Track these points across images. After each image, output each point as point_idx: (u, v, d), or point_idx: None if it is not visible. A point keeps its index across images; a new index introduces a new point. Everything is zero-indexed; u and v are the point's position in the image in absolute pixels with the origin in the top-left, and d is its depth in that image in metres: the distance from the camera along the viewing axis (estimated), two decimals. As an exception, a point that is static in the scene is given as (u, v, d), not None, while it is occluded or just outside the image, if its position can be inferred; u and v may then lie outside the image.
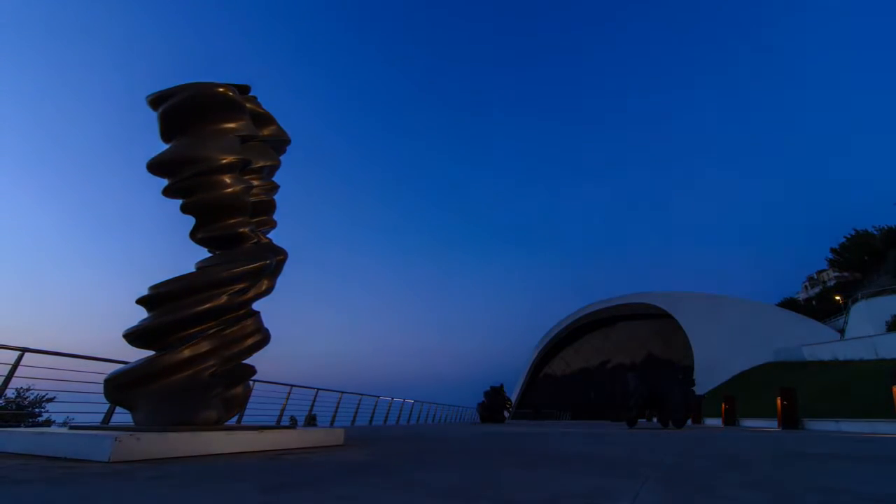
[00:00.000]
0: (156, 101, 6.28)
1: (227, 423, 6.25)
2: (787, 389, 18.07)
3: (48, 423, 12.61)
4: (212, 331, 5.88)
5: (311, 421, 15.87)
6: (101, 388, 7.74)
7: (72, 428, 5.42)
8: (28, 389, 12.62)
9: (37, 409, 13.32)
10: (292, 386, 14.52)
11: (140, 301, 5.80)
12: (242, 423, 8.86)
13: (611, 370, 56.72)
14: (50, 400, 12.95)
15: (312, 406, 15.75)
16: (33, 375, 7.84)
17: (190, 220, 6.58)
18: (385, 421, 21.75)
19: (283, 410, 14.21)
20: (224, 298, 6.00)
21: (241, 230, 6.54)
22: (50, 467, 3.46)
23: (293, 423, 14.64)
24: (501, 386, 27.68)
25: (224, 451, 4.86)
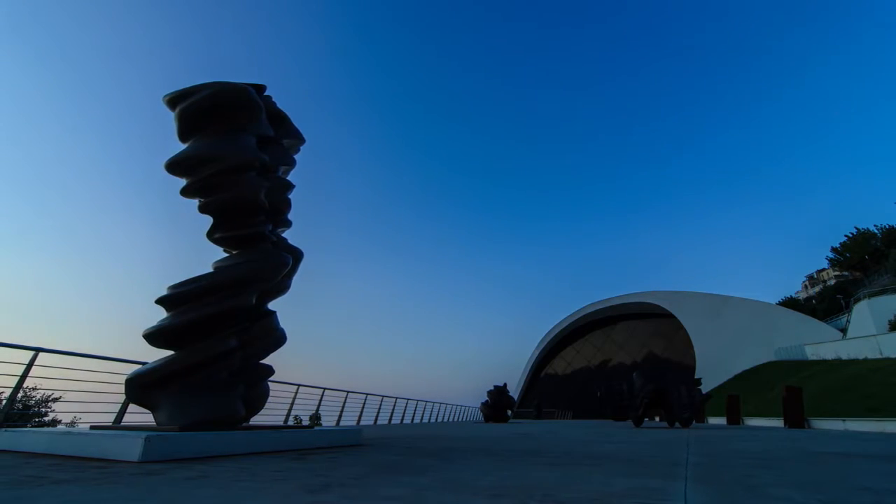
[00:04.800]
0: (173, 100, 6.25)
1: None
2: (794, 388, 18.07)
3: (55, 422, 12.57)
4: (231, 330, 5.86)
5: (315, 421, 15.85)
6: (107, 387, 7.78)
7: (93, 428, 5.39)
8: (35, 388, 12.57)
9: (43, 409, 13.28)
10: (300, 385, 14.51)
11: (159, 301, 5.78)
12: (252, 423, 8.83)
13: (612, 369, 56.81)
14: (56, 399, 12.90)
15: (319, 405, 15.75)
16: (41, 375, 7.80)
17: (199, 220, 6.55)
18: (389, 420, 21.71)
19: (290, 410, 14.20)
20: (242, 298, 5.97)
21: (258, 230, 6.52)
22: (83, 467, 3.44)
23: (298, 423, 14.61)
24: (505, 385, 27.68)
25: (247, 451, 4.85)
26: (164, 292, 5.81)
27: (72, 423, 9.83)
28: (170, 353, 5.59)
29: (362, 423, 18.37)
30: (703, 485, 3.09)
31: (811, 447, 7.06)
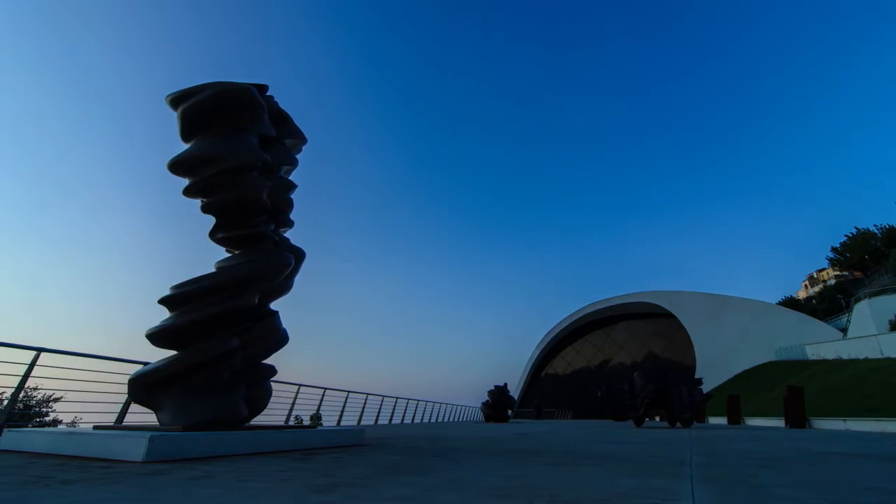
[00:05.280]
0: (176, 100, 6.24)
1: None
2: (795, 388, 18.07)
3: (55, 422, 12.55)
4: (233, 330, 5.86)
5: (316, 421, 15.84)
6: (109, 387, 7.76)
7: (96, 428, 5.38)
8: (36, 388, 12.54)
9: (44, 409, 13.25)
10: (300, 385, 14.49)
11: (162, 301, 5.78)
12: (254, 423, 8.81)
13: (612, 369, 56.79)
14: (58, 400, 12.88)
15: (320, 405, 15.74)
16: (43, 375, 7.78)
17: (201, 220, 6.53)
18: (390, 420, 21.67)
19: (291, 410, 14.19)
20: (244, 298, 5.97)
21: (261, 230, 6.52)
22: (87, 467, 3.44)
23: (298, 423, 14.60)
24: (505, 385, 27.68)
25: (250, 451, 4.85)
26: (166, 292, 5.81)
27: (73, 423, 9.81)
28: (172, 353, 5.59)
29: (363, 423, 18.37)
30: (708, 485, 3.09)
31: (813, 447, 7.07)
